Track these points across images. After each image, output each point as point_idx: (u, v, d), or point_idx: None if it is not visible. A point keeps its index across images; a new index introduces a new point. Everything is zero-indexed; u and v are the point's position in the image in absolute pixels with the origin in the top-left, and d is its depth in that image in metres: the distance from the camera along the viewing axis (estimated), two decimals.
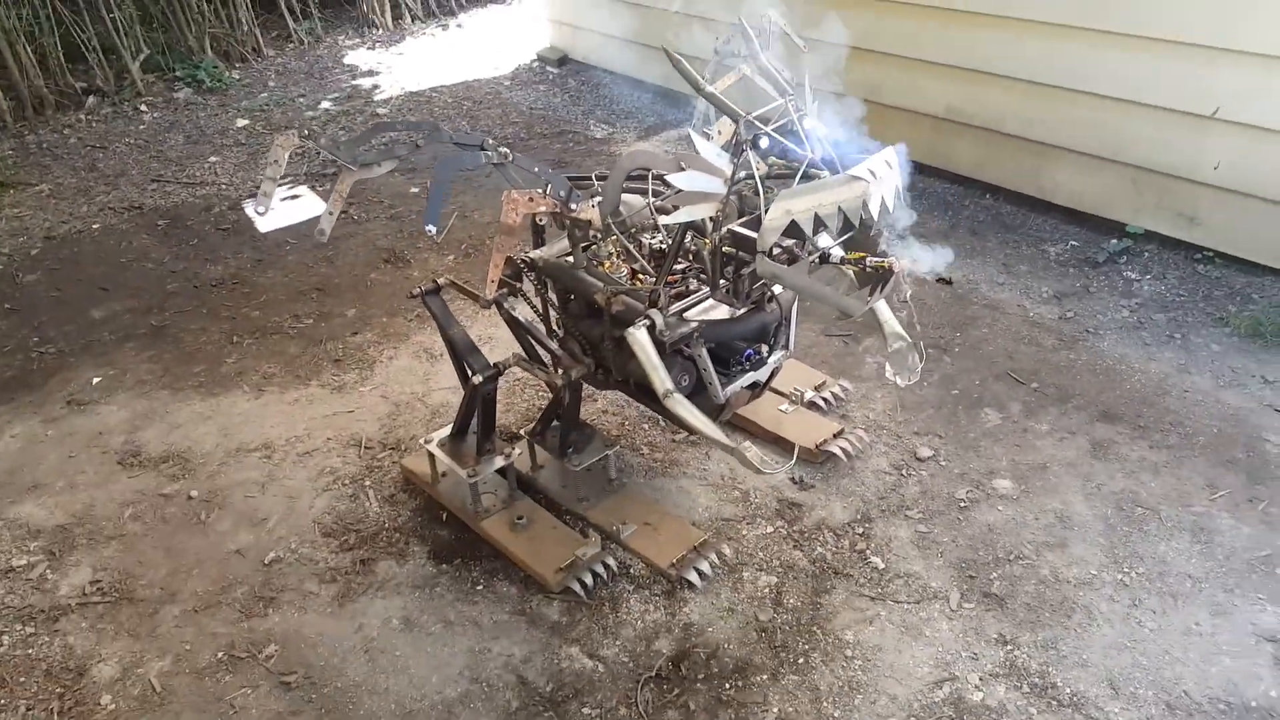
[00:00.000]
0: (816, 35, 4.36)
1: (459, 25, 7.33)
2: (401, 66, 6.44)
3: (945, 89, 4.14)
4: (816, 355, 3.17)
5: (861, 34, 4.34)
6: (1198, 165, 3.49)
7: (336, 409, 3.10)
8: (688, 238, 2.15)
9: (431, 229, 1.99)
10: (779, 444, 2.72)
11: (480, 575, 2.43)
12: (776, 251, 1.91)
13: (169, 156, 5.17)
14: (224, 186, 4.79)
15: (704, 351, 2.14)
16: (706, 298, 2.16)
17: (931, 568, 2.37)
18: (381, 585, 2.42)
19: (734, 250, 2.03)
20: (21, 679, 2.23)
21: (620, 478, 2.62)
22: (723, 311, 2.17)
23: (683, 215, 1.91)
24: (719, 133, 2.41)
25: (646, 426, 2.89)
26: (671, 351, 2.10)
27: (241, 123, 5.58)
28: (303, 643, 2.27)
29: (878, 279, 1.91)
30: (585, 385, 2.50)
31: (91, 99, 5.81)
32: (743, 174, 1.96)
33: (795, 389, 2.87)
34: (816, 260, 1.90)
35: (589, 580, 2.33)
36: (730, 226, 1.97)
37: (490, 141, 2.05)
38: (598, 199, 2.17)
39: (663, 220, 2.01)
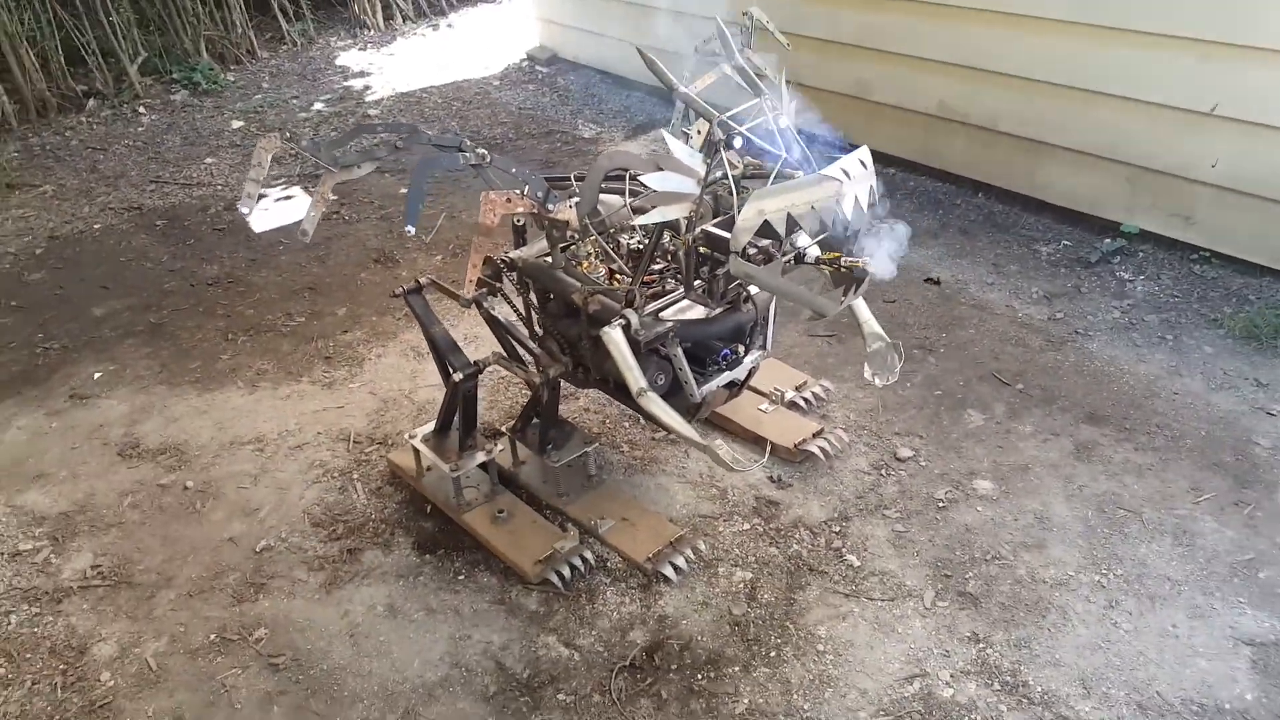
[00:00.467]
0: (806, 31, 4.41)
1: (449, 25, 7.38)
2: (392, 67, 6.49)
3: (938, 85, 4.14)
4: (799, 356, 3.19)
5: (851, 30, 4.35)
6: (1195, 163, 3.47)
7: (327, 404, 3.14)
8: (666, 238, 2.17)
9: (410, 229, 2.02)
10: (758, 443, 2.74)
11: (462, 566, 2.46)
12: (752, 252, 1.93)
13: (167, 158, 5.24)
14: (220, 187, 4.85)
15: (679, 351, 2.15)
16: (682, 298, 2.18)
17: (907, 566, 2.39)
18: (367, 574, 2.46)
19: (709, 250, 2.05)
20: (28, 655, 2.31)
21: (600, 474, 2.65)
22: (699, 312, 2.19)
23: (656, 216, 1.93)
24: (698, 132, 2.43)
25: (627, 424, 2.92)
26: (647, 351, 2.13)
27: (237, 124, 5.64)
28: (291, 627, 2.33)
29: (851, 279, 1.93)
30: (566, 384, 2.53)
31: (92, 101, 5.89)
32: (718, 174, 1.98)
33: (776, 389, 2.88)
34: (791, 260, 1.92)
35: (567, 572, 2.36)
36: (704, 227, 1.99)
37: (468, 143, 2.08)
38: (575, 200, 2.20)
39: (636, 221, 2.03)
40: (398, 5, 7.33)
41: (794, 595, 2.33)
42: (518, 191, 2.08)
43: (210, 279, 3.97)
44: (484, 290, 2.34)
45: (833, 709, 2.06)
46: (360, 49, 6.90)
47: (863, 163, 1.90)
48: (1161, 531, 2.44)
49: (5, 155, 5.27)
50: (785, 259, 1.88)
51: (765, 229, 1.83)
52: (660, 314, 2.14)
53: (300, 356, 3.41)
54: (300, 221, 2.07)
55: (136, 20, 6.21)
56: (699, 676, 2.15)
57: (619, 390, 2.31)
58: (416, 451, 2.65)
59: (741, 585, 2.36)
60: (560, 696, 2.12)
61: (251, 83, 6.32)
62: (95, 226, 4.51)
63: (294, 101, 5.95)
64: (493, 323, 2.43)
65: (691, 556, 2.41)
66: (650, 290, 2.20)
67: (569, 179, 2.30)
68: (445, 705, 2.12)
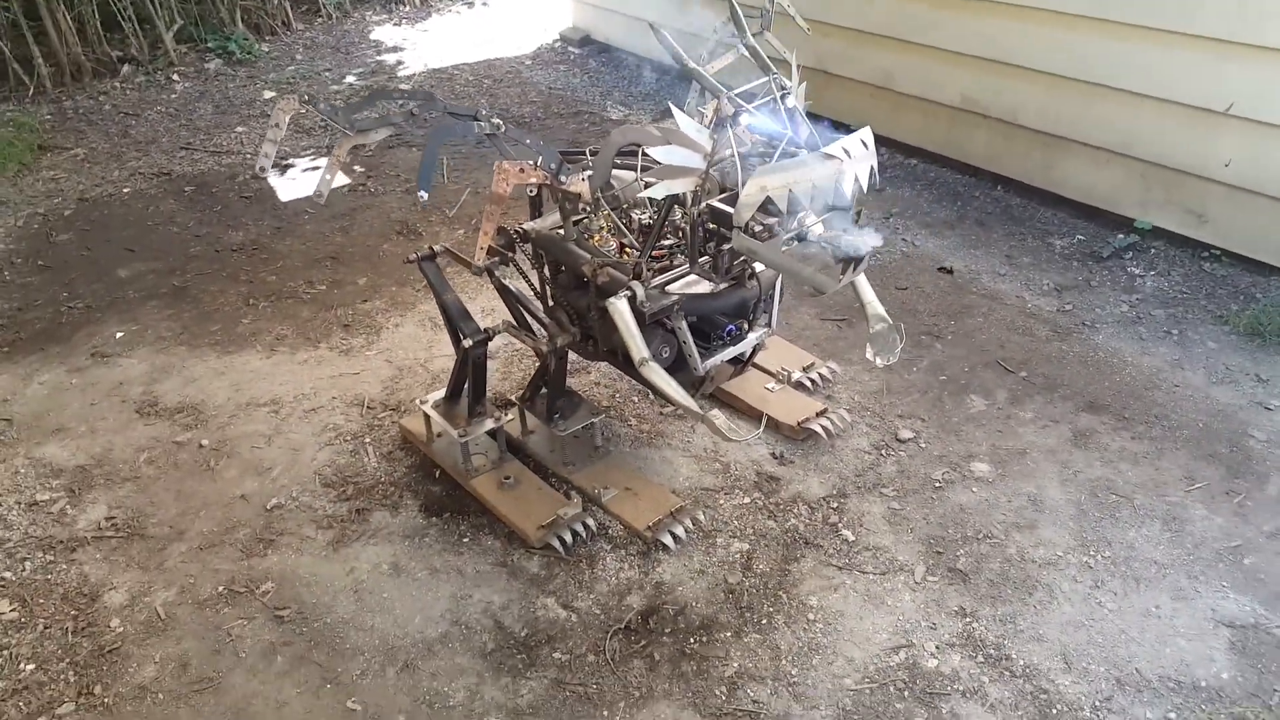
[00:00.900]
0: (835, 20, 4.43)
1: (485, 3, 7.43)
2: (426, 43, 6.55)
3: (962, 78, 4.16)
4: (809, 338, 3.24)
5: (878, 20, 4.37)
6: (1209, 162, 3.48)
7: (343, 370, 3.22)
8: (676, 214, 2.22)
9: (423, 194, 2.08)
10: (761, 420, 2.79)
11: (467, 529, 2.54)
12: (756, 228, 1.98)
13: (198, 125, 5.33)
14: (249, 156, 4.94)
15: (684, 325, 2.21)
16: (688, 272, 2.24)
17: (900, 542, 2.44)
18: (374, 533, 2.54)
19: (715, 226, 2.11)
20: (41, 600, 2.40)
21: (606, 445, 2.71)
22: (704, 287, 2.25)
23: (660, 189, 1.99)
24: (713, 111, 2.47)
25: (636, 399, 2.98)
26: (652, 323, 2.18)
27: (269, 94, 5.72)
28: (297, 581, 2.41)
29: (851, 258, 1.98)
30: (577, 358, 2.59)
31: (126, 68, 5.99)
32: (725, 151, 2.03)
33: (783, 369, 2.94)
34: (793, 237, 1.97)
35: (568, 538, 2.43)
36: (710, 202, 2.04)
37: (484, 112, 2.13)
38: (588, 173, 2.25)
39: (643, 194, 2.09)
40: None
41: (788, 567, 2.39)
42: (531, 162, 2.14)
43: (235, 245, 4.06)
44: (495, 259, 2.41)
45: (819, 675, 2.12)
46: (395, 24, 6.97)
47: (864, 143, 1.94)
48: (1152, 517, 2.48)
49: (38, 117, 5.39)
50: (787, 236, 1.93)
51: (768, 205, 1.88)
52: (666, 288, 2.20)
53: (319, 323, 3.50)
54: (315, 183, 2.13)
55: None
56: (691, 640, 2.21)
57: (627, 363, 2.36)
58: (427, 417, 2.72)
59: (738, 555, 2.42)
60: (556, 655, 2.20)
61: (285, 54, 6.40)
62: (124, 190, 4.62)
63: (326, 74, 6.03)
64: (503, 291, 2.50)
65: (690, 526, 2.47)
66: (659, 265, 2.26)
67: (583, 153, 2.35)
68: (444, 660, 2.20)
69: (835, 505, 2.56)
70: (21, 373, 3.28)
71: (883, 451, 2.74)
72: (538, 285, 2.50)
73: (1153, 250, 3.70)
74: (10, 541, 2.57)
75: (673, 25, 2.22)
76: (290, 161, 4.83)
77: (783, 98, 2.07)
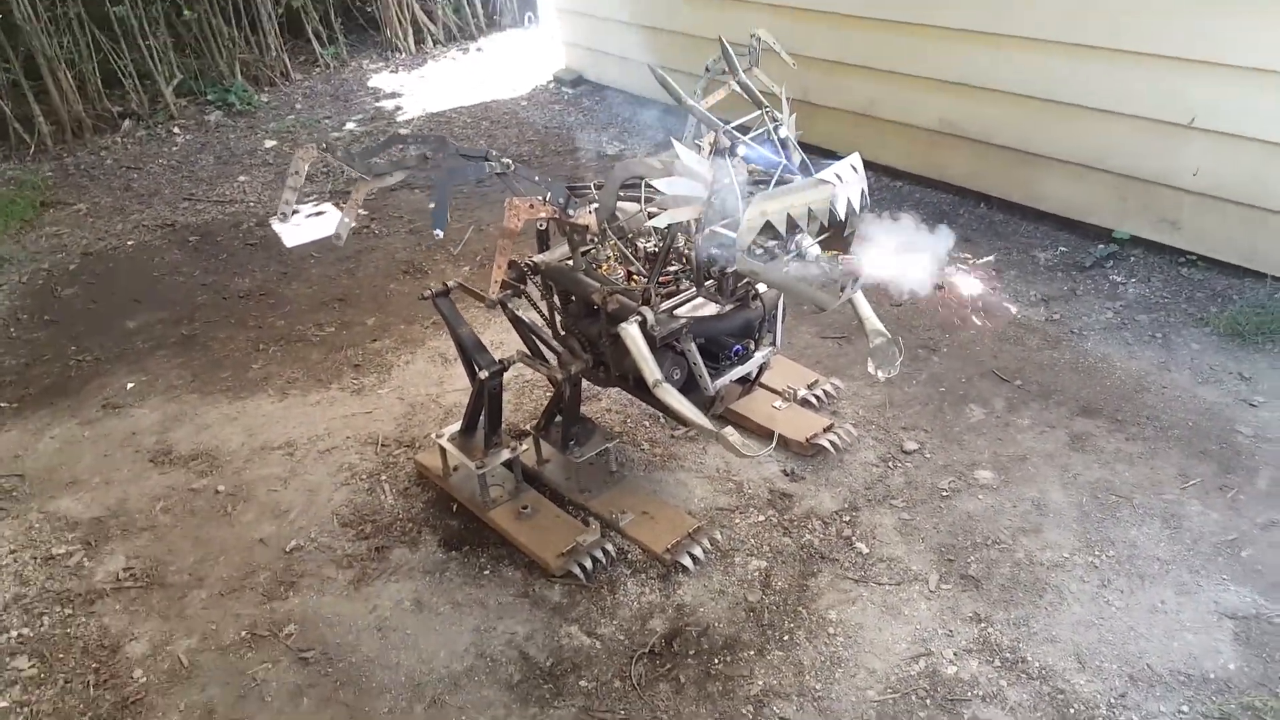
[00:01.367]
0: (817, 54, 4.57)
1: (479, 49, 7.58)
2: (423, 88, 6.69)
3: (940, 103, 4.30)
4: (811, 356, 3.32)
5: (857, 52, 4.52)
6: (1178, 172, 3.62)
7: (355, 410, 3.28)
8: (680, 241, 2.31)
9: (439, 233, 2.16)
10: (771, 438, 2.86)
11: (487, 561, 2.58)
12: (758, 251, 2.06)
13: (200, 176, 5.42)
14: (252, 204, 5.03)
15: (693, 346, 2.29)
16: (695, 296, 2.32)
17: (913, 552, 2.50)
18: (395, 570, 2.58)
19: (718, 250, 2.19)
20: (60, 655, 2.41)
21: (621, 470, 2.78)
22: (711, 309, 2.33)
23: (667, 218, 2.07)
24: (709, 144, 2.57)
25: (647, 423, 3.05)
26: (663, 346, 2.26)
27: (270, 143, 5.83)
28: (320, 622, 2.44)
29: (848, 275, 2.07)
30: (588, 385, 2.66)
31: (127, 122, 6.10)
32: (724, 180, 2.12)
33: (789, 387, 3.02)
34: (793, 258, 2.06)
35: (588, 564, 2.48)
36: (713, 227, 2.12)
37: (494, 153, 2.22)
38: (594, 206, 2.34)
39: (651, 224, 2.17)
40: (428, 29, 7.54)
41: (806, 582, 2.45)
42: (540, 198, 2.22)
43: (242, 292, 4.13)
44: (508, 292, 2.49)
45: (843, 688, 2.17)
46: (392, 71, 7.11)
47: (854, 168, 2.04)
48: (1151, 515, 2.56)
49: (40, 175, 5.48)
50: (787, 257, 2.02)
51: (768, 229, 1.97)
52: (674, 311, 2.28)
53: (330, 365, 3.56)
54: (335, 226, 2.21)
55: (173, 44, 6.44)
56: (715, 661, 2.26)
57: (638, 387, 2.44)
58: (443, 451, 2.78)
59: (756, 573, 2.48)
60: (582, 683, 2.23)
61: (285, 103, 6.53)
62: (128, 243, 4.69)
63: (326, 121, 6.15)
64: (516, 322, 2.58)
65: (708, 547, 2.53)
66: (665, 290, 2.34)
67: (589, 187, 2.44)
68: (470, 693, 2.23)
69: (848, 519, 2.62)
70: (32, 428, 3.33)
71: (890, 464, 2.82)
72: (547, 315, 2.58)
73: (1132, 258, 3.81)
74: (27, 597, 2.59)
75: (669, 64, 2.31)
76: (295, 209, 4.92)
77: (775, 129, 2.17)
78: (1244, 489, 2.62)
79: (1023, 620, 2.29)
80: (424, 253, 4.33)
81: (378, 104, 6.42)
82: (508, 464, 2.69)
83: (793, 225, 1.98)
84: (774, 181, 2.11)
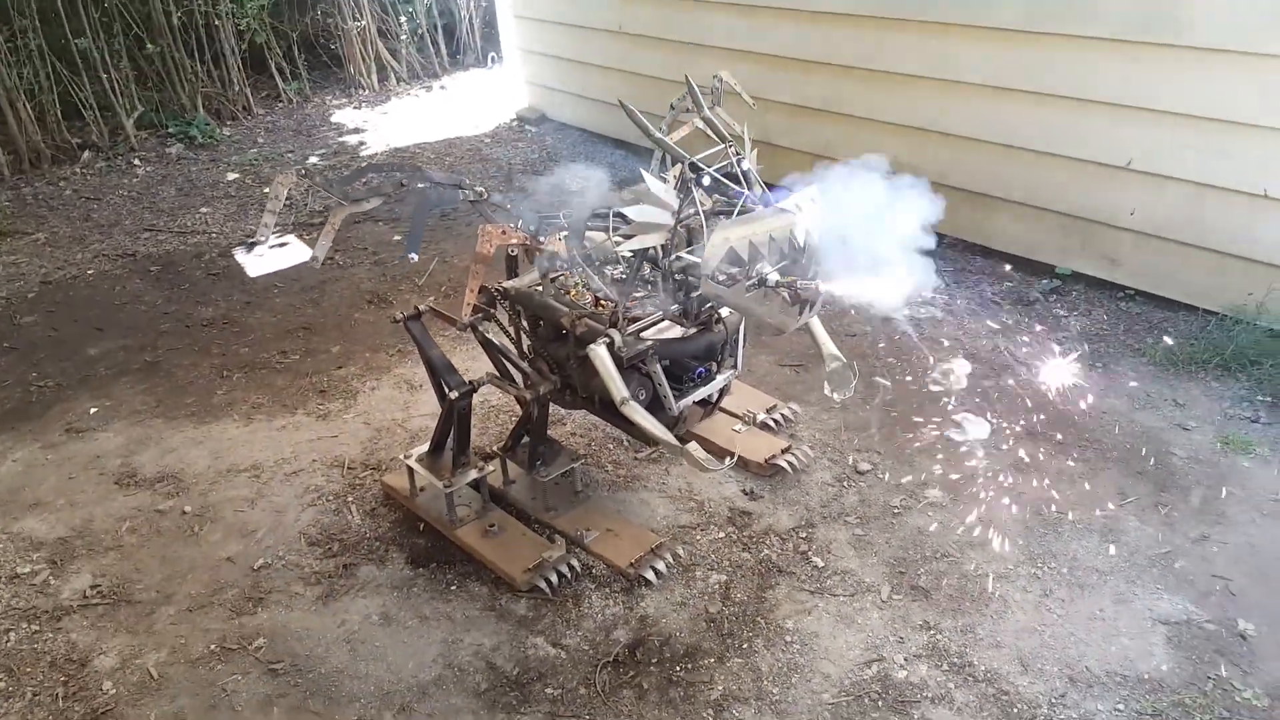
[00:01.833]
0: (778, 97, 4.79)
1: (443, 87, 7.73)
2: (386, 124, 6.80)
3: (894, 144, 4.50)
4: (770, 382, 3.45)
5: (814, 96, 4.74)
6: (1117, 212, 3.85)
7: (321, 434, 3.32)
8: (646, 269, 2.42)
9: (413, 256, 2.25)
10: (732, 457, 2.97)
11: (454, 577, 2.63)
12: (721, 277, 2.19)
13: (161, 207, 5.44)
14: (215, 235, 5.06)
15: (659, 368, 2.40)
16: (661, 319, 2.43)
17: (866, 565, 2.61)
18: (363, 586, 2.62)
19: (683, 275, 2.31)
20: (28, 669, 2.42)
21: (586, 490, 2.85)
22: (676, 332, 2.44)
23: (635, 243, 2.19)
24: (674, 176, 2.71)
25: (612, 446, 3.14)
26: (629, 367, 2.36)
27: (232, 176, 5.87)
28: (289, 636, 2.47)
29: (805, 300, 2.20)
30: (554, 409, 2.73)
31: (86, 153, 6.10)
32: (690, 209, 2.25)
33: (748, 411, 3.12)
34: (755, 283, 2.18)
35: (554, 579, 2.54)
36: (679, 254, 2.24)
37: (467, 182, 2.33)
38: (564, 233, 2.45)
39: (620, 249, 2.29)
40: (392, 67, 7.67)
41: (764, 594, 2.54)
42: (512, 225, 2.33)
43: (205, 320, 4.16)
44: (479, 315, 2.57)
45: (799, 692, 2.26)
46: (355, 107, 7.21)
47: (812, 199, 2.18)
48: (1091, 530, 2.70)
49: None
50: (749, 282, 2.14)
51: (731, 255, 2.09)
52: (641, 334, 2.39)
53: (295, 391, 3.59)
54: (313, 249, 2.29)
55: (135, 76, 6.47)
56: (677, 668, 2.33)
57: (605, 408, 2.53)
58: (411, 472, 2.84)
59: (717, 586, 2.56)
60: (548, 691, 2.29)
61: (247, 137, 6.58)
62: (89, 272, 4.68)
63: (289, 155, 6.21)
64: (487, 345, 2.66)
65: (670, 562, 2.61)
66: (631, 314, 2.45)
67: (559, 215, 2.55)
68: (439, 701, 2.27)
69: (804, 535, 2.73)
70: None
71: (844, 483, 2.93)
72: (515, 338, 2.66)
73: (1074, 293, 4.02)
74: None
75: (629, 103, 2.44)
76: (257, 239, 4.96)
77: (738, 162, 2.31)
78: (1178, 506, 2.79)
79: (969, 627, 2.40)
80: (389, 283, 4.40)
81: (341, 139, 6.51)
82: (474, 484, 2.75)
83: (754, 252, 2.11)
84: (737, 211, 2.24)
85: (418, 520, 2.85)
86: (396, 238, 4.85)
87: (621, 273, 2.49)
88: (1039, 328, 3.81)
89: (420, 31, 7.77)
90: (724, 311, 2.47)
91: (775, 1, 4.77)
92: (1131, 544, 2.65)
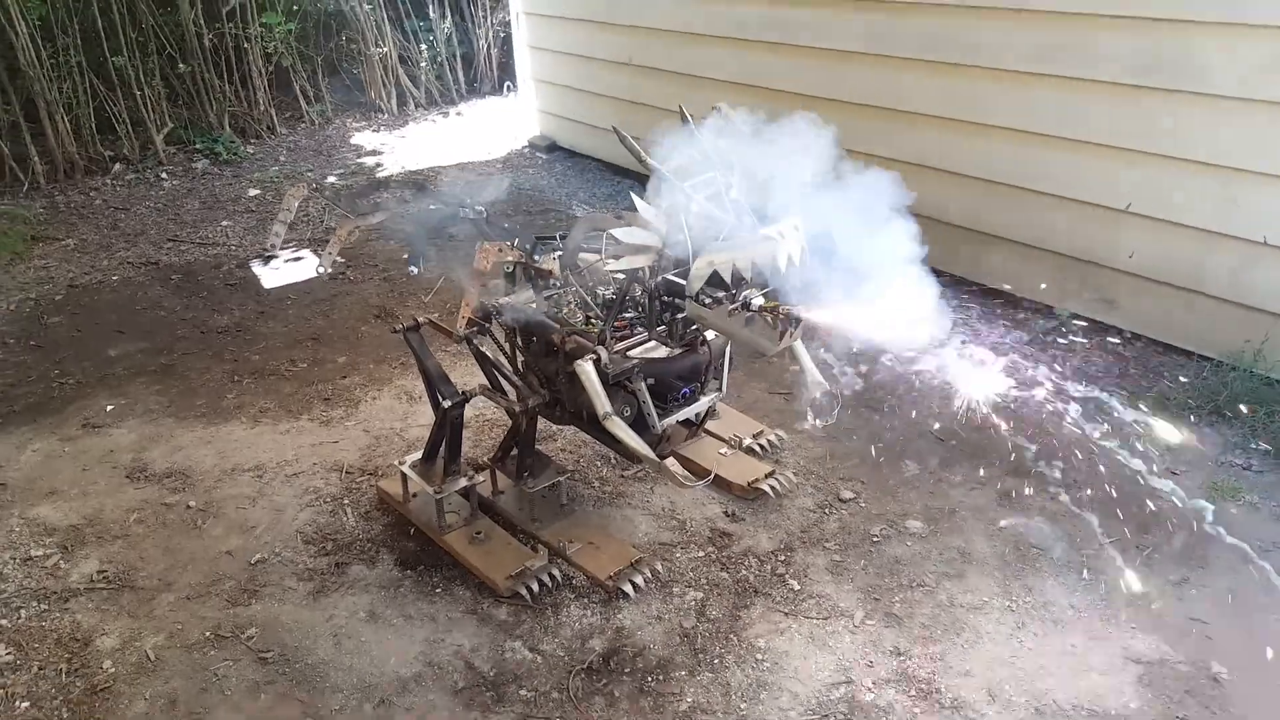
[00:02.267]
0: (780, 133, 4.89)
1: (459, 114, 7.94)
2: (403, 147, 7.00)
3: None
4: (758, 409, 3.51)
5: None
6: (1115, 254, 3.90)
7: (323, 439, 3.42)
8: (636, 290, 2.51)
9: (415, 269, 2.36)
10: (716, 482, 3.03)
11: (440, 581, 2.71)
12: (707, 300, 2.27)
13: (185, 219, 5.63)
14: (234, 247, 5.23)
15: (643, 386, 2.47)
16: (647, 339, 2.52)
17: (841, 590, 2.66)
18: (352, 584, 2.71)
19: (670, 297, 2.40)
20: (35, 645, 2.54)
21: (571, 505, 2.93)
22: (661, 352, 2.52)
23: (623, 264, 2.28)
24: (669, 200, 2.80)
25: (598, 463, 3.21)
26: (615, 385, 2.44)
27: (253, 192, 6.07)
28: (280, 627, 2.56)
29: (788, 323, 2.27)
30: (543, 423, 2.81)
31: (117, 166, 6.33)
32: (679, 235, 2.34)
33: (735, 435, 3.20)
34: (739, 306, 2.27)
35: (535, 587, 2.61)
36: (665, 276, 2.33)
37: (468, 201, 2.44)
38: (559, 253, 2.55)
39: (609, 269, 2.38)
40: (411, 93, 7.91)
41: (739, 613, 2.59)
42: (509, 243, 2.43)
43: (220, 328, 4.29)
44: (474, 329, 2.67)
45: (766, 709, 2.30)
46: (374, 130, 7.43)
47: (795, 226, 2.26)
48: (1070, 568, 2.73)
49: (32, 211, 5.66)
50: (733, 305, 2.22)
51: (715, 278, 2.18)
52: (628, 353, 2.47)
53: (301, 397, 3.71)
54: (320, 259, 2.40)
55: (167, 94, 6.72)
56: (649, 679, 2.38)
57: (592, 424, 2.60)
58: (404, 478, 2.92)
59: (693, 603, 2.62)
60: (522, 693, 2.35)
61: (270, 155, 6.80)
62: (113, 278, 4.85)
63: (309, 174, 6.40)
64: (480, 358, 2.75)
65: (649, 576, 2.67)
66: (619, 334, 2.54)
67: (554, 237, 2.65)
68: (417, 696, 2.35)
69: (783, 558, 2.78)
70: (15, 442, 3.44)
71: (826, 510, 2.98)
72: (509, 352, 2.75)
73: (1071, 334, 4.06)
74: (6, 592, 2.71)
75: (633, 132, 2.55)
76: (269, 249, 5.13)
77: (726, 190, 2.40)
78: (1159, 548, 2.80)
79: (940, 655, 2.44)
80: (396, 298, 4.53)
81: (359, 160, 6.71)
82: (464, 492, 2.83)
83: (738, 276, 2.19)
84: (722, 236, 2.33)
85: (409, 525, 2.93)
86: (404, 255, 5.00)
87: (612, 294, 2.58)
88: (1036, 367, 3.85)
89: (440, 60, 8.01)
90: (709, 333, 2.55)
91: (779, 38, 4.91)
92: (1110, 583, 2.67)
